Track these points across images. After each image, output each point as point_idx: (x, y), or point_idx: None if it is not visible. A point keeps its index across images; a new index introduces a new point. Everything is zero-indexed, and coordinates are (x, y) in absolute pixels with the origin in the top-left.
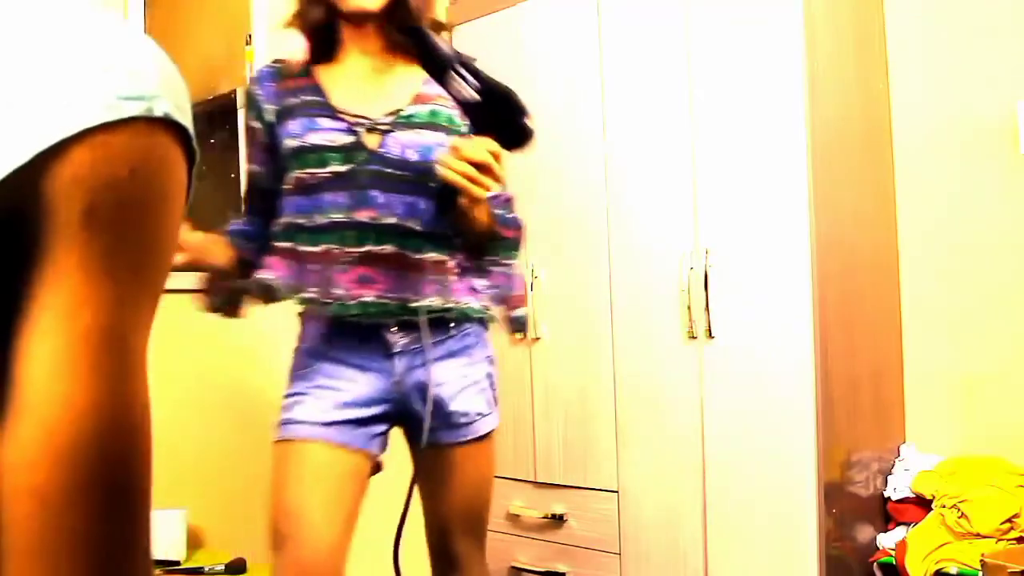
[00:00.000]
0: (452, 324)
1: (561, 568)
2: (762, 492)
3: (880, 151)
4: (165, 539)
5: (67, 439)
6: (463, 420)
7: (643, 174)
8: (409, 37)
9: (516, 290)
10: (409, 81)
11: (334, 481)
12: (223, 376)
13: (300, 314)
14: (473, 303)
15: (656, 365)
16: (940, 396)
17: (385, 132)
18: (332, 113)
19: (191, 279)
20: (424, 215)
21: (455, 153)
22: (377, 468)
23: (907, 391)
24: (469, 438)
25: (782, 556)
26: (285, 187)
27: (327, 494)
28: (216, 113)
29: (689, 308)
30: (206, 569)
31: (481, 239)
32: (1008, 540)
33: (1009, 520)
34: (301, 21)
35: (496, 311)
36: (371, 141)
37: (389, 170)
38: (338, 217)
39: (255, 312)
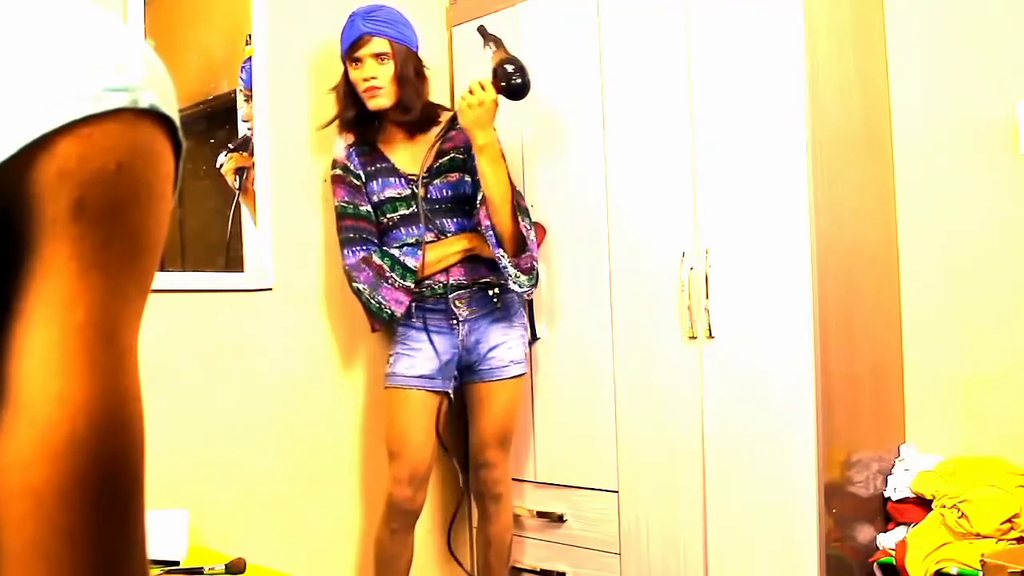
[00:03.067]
0: (495, 299)
1: (561, 568)
2: (762, 492)
3: (880, 151)
4: (165, 539)
5: (61, 437)
6: (500, 364)
7: (643, 174)
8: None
9: (535, 253)
10: (429, 142)
11: (424, 414)
12: (223, 376)
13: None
14: (511, 282)
15: (656, 365)
16: (940, 396)
17: (427, 183)
18: (396, 173)
19: (191, 280)
20: (469, 228)
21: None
22: (450, 400)
23: (907, 391)
24: (503, 377)
25: (782, 556)
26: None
27: (420, 423)
28: (216, 113)
29: (689, 308)
30: (206, 569)
31: (500, 196)
32: (1008, 540)
33: (1009, 520)
34: (342, 121)
35: (523, 280)
36: (420, 191)
37: (437, 205)
38: (412, 242)
39: (254, 313)
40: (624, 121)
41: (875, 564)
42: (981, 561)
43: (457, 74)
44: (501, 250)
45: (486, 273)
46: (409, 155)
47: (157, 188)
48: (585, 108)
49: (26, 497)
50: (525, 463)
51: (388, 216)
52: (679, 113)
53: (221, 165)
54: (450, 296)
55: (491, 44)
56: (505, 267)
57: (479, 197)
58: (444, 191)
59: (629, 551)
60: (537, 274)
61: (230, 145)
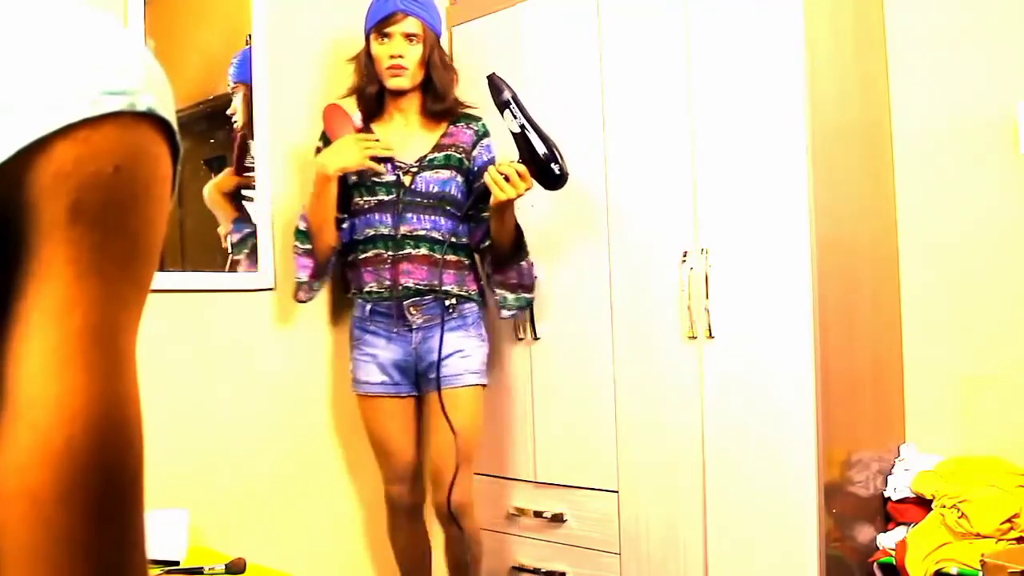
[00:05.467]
0: (451, 309)
1: (561, 568)
2: (762, 492)
3: (880, 151)
4: (165, 539)
5: (59, 441)
6: (454, 372)
7: (643, 174)
8: (488, 86)
9: (527, 280)
10: (432, 135)
11: (397, 418)
12: (223, 376)
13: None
14: (473, 292)
15: (656, 365)
16: (940, 396)
17: (416, 173)
18: (388, 158)
19: (191, 280)
20: (448, 230)
21: (495, 167)
22: (420, 400)
23: (907, 391)
24: (456, 386)
25: (782, 556)
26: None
27: (394, 427)
28: (216, 113)
29: (689, 308)
30: (206, 569)
31: (507, 241)
32: (1008, 540)
33: (1009, 520)
34: (360, 94)
35: (507, 297)
36: (407, 179)
37: (420, 200)
38: (385, 231)
39: (250, 314)
40: (624, 121)
41: (875, 564)
42: (981, 561)
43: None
44: (495, 266)
45: (448, 282)
46: (404, 141)
47: (155, 191)
48: (585, 108)
49: (24, 500)
50: (525, 463)
51: (365, 199)
52: (679, 113)
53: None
54: (405, 302)
55: (511, 111)
56: (496, 281)
57: (468, 205)
58: (431, 186)
59: (629, 551)
60: (529, 296)
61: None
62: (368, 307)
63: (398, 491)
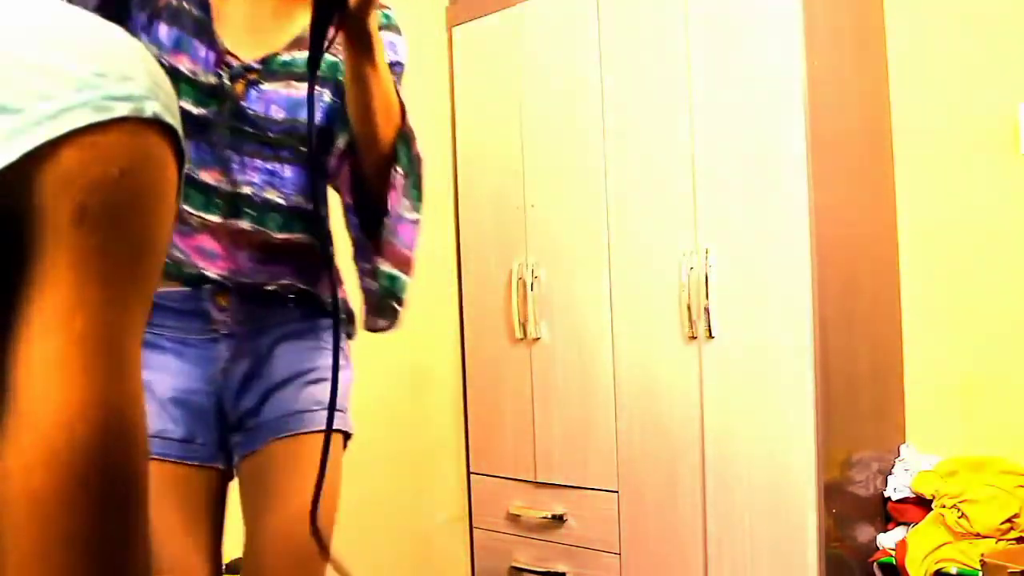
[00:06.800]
0: (290, 304)
1: (561, 568)
2: (762, 492)
3: (880, 151)
4: None
5: (62, 444)
6: (289, 410)
7: (643, 174)
8: None
9: (406, 244)
10: (292, 21)
11: (185, 498)
12: None
13: None
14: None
15: (656, 365)
16: (940, 396)
17: (251, 82)
18: (209, 39)
19: None
20: (291, 188)
21: None
22: (224, 474)
23: (907, 391)
24: (297, 431)
25: (782, 556)
26: None
27: (179, 515)
28: None
29: (689, 308)
30: None
31: (376, 151)
32: (1008, 540)
33: (1009, 520)
34: None
35: (378, 276)
36: (236, 88)
37: (249, 128)
38: (202, 175)
39: None
40: (624, 121)
41: (875, 564)
42: (981, 561)
43: (457, 74)
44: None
45: (287, 273)
46: (244, 24)
47: (160, 196)
48: (585, 108)
49: (27, 502)
50: (525, 463)
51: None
52: (679, 113)
53: None
54: (204, 287)
55: None
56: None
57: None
58: (272, 107)
59: (629, 551)
60: (404, 277)
61: None
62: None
63: None
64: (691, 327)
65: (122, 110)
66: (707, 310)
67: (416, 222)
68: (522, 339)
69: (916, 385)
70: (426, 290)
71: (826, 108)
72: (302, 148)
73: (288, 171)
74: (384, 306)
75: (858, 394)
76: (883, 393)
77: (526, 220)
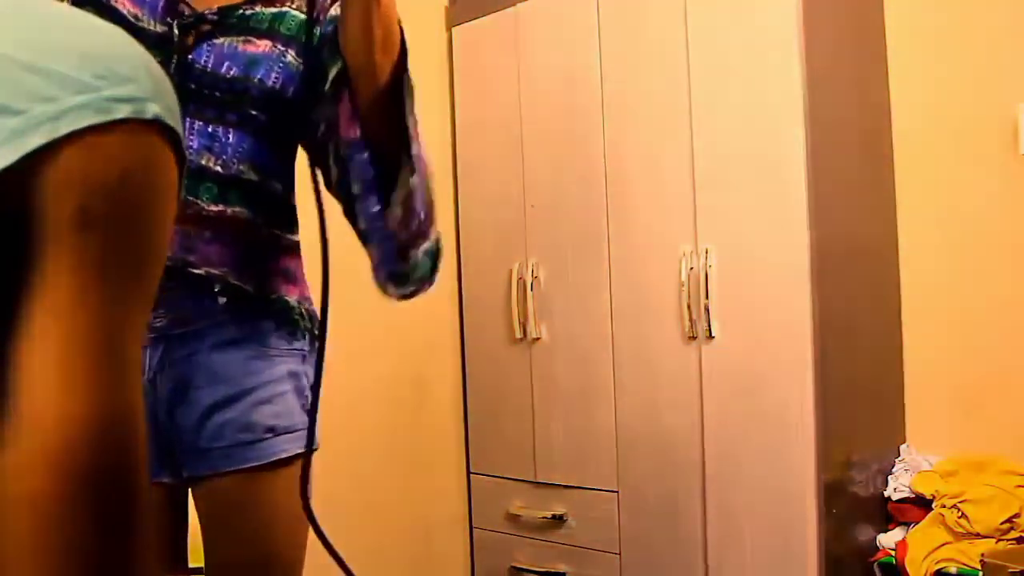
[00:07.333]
0: (221, 299)
1: (561, 568)
2: (762, 492)
3: (880, 151)
4: None
5: (61, 446)
6: (234, 439)
7: (643, 174)
8: None
9: (424, 216)
10: None
11: None
12: None
13: None
14: (289, 297)
15: (656, 365)
16: (940, 396)
17: (203, 34)
18: None
19: None
20: (232, 153)
21: None
22: (177, 490)
23: (907, 391)
24: (242, 466)
25: (782, 556)
26: None
27: None
28: None
29: (689, 308)
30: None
31: (383, 113)
32: (1008, 540)
33: (1009, 520)
34: None
35: (411, 259)
36: (186, 40)
37: (192, 85)
38: None
39: None
40: (623, 121)
41: (875, 564)
42: (981, 561)
43: (457, 74)
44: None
45: (220, 257)
46: None
47: (160, 197)
48: (584, 108)
49: (27, 503)
50: (525, 463)
51: None
52: (678, 113)
53: None
54: None
55: None
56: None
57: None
58: (226, 65)
59: (629, 551)
60: (435, 247)
61: None
62: None
63: None
64: (691, 327)
65: (123, 112)
66: (707, 310)
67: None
68: (522, 339)
69: (916, 385)
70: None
71: (826, 108)
72: (253, 112)
73: (232, 136)
74: (408, 255)
75: (858, 394)
76: (883, 393)
77: (526, 220)
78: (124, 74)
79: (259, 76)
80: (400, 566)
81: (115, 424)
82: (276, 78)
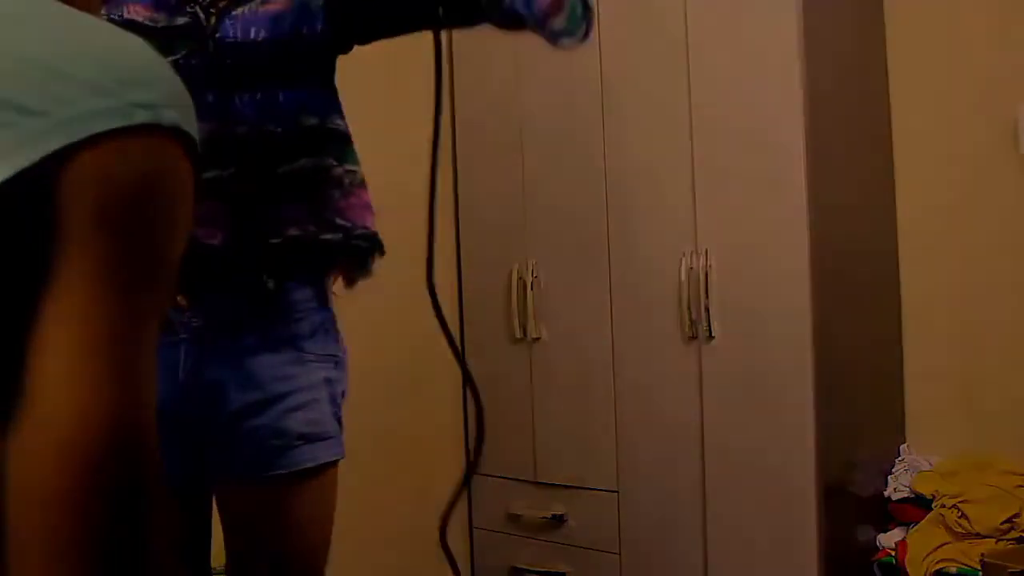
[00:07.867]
0: (265, 293)
1: (561, 568)
2: (762, 492)
3: (880, 151)
4: None
5: (75, 448)
6: (263, 444)
7: (643, 174)
8: None
9: None
10: None
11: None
12: None
13: None
14: (366, 230)
15: (656, 365)
16: (940, 396)
17: (223, 10)
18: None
19: None
20: (287, 110)
21: None
22: (202, 499)
23: (907, 391)
24: (275, 471)
25: (782, 556)
26: None
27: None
28: None
29: (688, 308)
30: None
31: None
32: (1008, 540)
33: (1009, 520)
34: None
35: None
36: (210, 21)
37: (229, 61)
38: None
39: None
40: (623, 121)
41: (875, 564)
42: (981, 561)
43: (457, 74)
44: None
45: (297, 217)
46: None
47: (177, 202)
48: (585, 108)
49: (39, 503)
50: (525, 463)
51: None
52: (678, 113)
53: None
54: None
55: None
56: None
57: None
58: (252, 31)
59: (629, 551)
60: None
61: None
62: None
63: None
64: (691, 327)
65: (142, 117)
66: (707, 310)
67: None
68: (522, 339)
69: (916, 385)
70: (425, 290)
71: (826, 108)
72: (292, 65)
73: (282, 95)
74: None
75: (858, 394)
76: (883, 393)
77: (526, 220)
78: (143, 80)
79: (286, 31)
80: (400, 566)
81: (128, 426)
82: (302, 25)
